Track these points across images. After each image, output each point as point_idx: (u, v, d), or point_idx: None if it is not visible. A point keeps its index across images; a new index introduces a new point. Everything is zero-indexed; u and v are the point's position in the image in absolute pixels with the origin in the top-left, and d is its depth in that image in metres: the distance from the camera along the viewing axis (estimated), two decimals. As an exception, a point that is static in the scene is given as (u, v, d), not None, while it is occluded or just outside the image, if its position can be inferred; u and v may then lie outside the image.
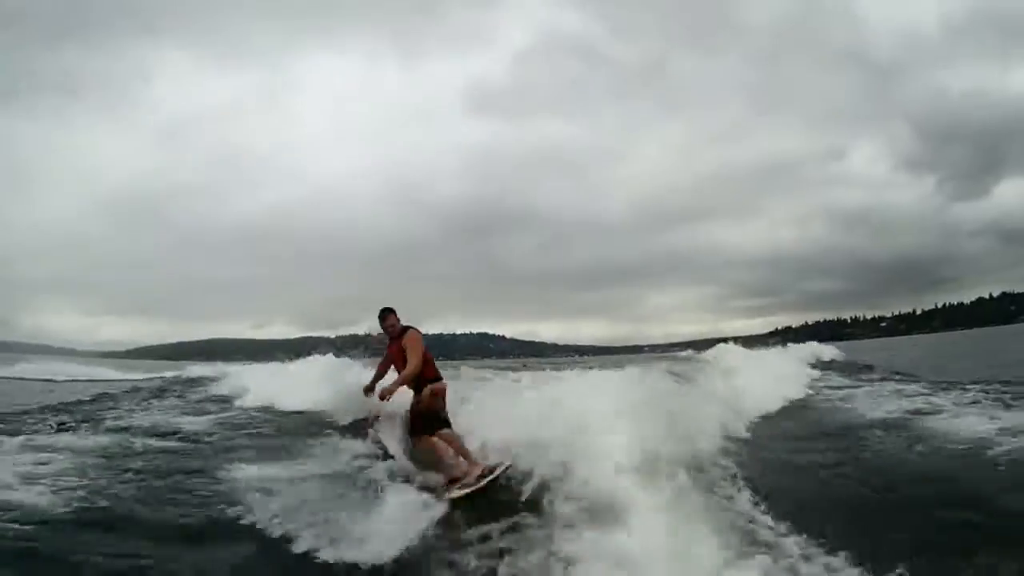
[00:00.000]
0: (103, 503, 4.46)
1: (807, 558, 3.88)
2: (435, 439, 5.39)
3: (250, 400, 9.01)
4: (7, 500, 4.28)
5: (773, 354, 13.11)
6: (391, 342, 5.79)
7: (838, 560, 3.79)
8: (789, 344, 14.36)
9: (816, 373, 11.71)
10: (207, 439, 6.56)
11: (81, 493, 4.54)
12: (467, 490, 4.82)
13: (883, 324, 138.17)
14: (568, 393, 6.39)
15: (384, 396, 5.38)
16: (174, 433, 6.77)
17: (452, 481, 5.05)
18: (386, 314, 5.82)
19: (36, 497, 4.40)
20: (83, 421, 7.44)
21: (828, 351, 14.90)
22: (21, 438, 5.87)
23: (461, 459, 5.30)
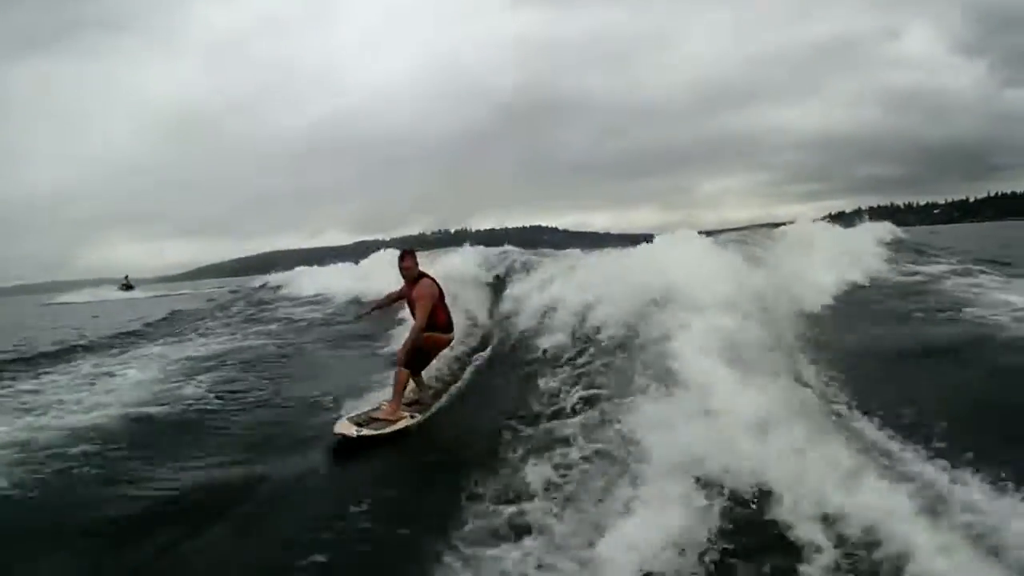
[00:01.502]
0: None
1: (882, 445, 3.67)
2: (403, 371, 5.37)
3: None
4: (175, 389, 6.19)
5: (846, 232, 12.57)
6: (406, 285, 5.70)
7: (909, 451, 3.58)
8: (860, 223, 13.72)
9: (892, 253, 11.27)
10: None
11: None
12: (351, 433, 4.66)
13: (936, 211, 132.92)
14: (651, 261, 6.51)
15: (401, 359, 5.42)
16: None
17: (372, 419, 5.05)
18: (405, 256, 5.65)
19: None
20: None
21: (897, 231, 14.27)
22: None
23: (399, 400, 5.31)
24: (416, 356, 5.53)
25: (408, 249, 5.75)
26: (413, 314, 5.62)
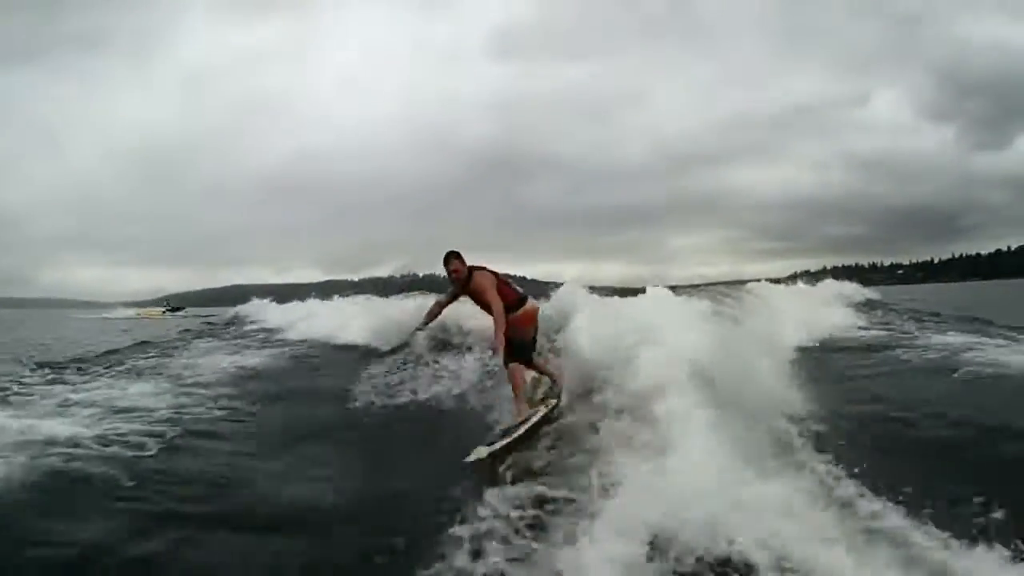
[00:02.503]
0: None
1: (838, 479, 3.77)
2: (514, 366, 5.25)
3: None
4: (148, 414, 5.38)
5: (810, 291, 12.87)
6: (457, 289, 5.48)
7: (867, 488, 3.62)
8: (825, 281, 14.04)
9: (859, 312, 11.52)
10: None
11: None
12: (484, 452, 4.26)
13: (900, 271, 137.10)
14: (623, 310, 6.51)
15: (495, 351, 5.17)
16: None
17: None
18: (450, 259, 5.35)
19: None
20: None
21: (864, 291, 14.60)
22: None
23: (521, 396, 5.20)
24: (514, 346, 5.26)
25: (453, 252, 5.39)
26: (482, 307, 5.36)
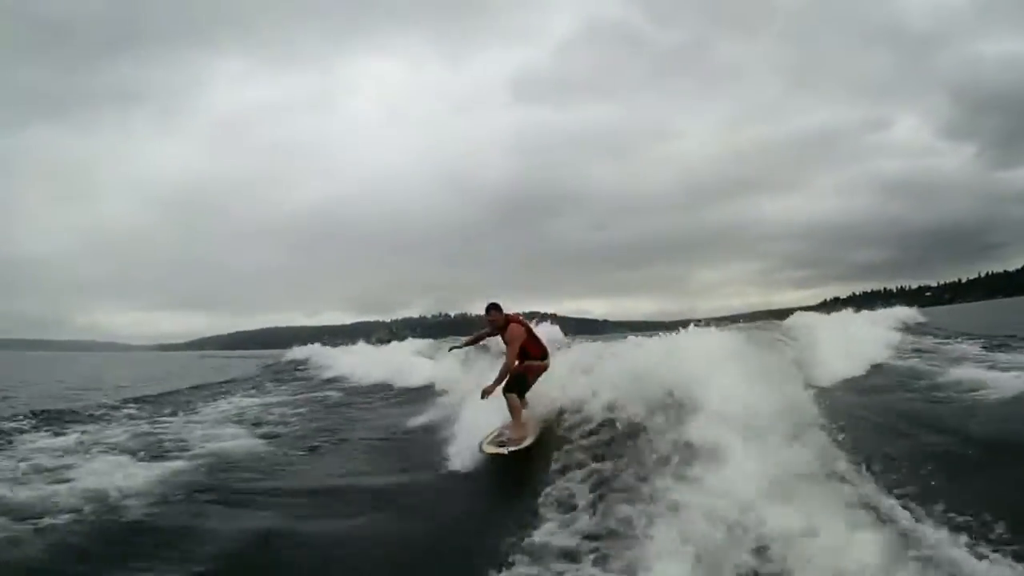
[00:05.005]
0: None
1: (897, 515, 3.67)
2: (513, 396, 6.17)
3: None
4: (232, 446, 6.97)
5: (853, 319, 12.72)
6: (494, 332, 6.61)
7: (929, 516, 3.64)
8: (863, 311, 13.87)
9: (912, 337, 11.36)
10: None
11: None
12: (500, 451, 5.62)
13: (928, 294, 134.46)
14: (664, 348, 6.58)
15: (484, 395, 6.08)
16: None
17: (499, 440, 5.95)
18: (490, 310, 6.50)
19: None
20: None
21: (911, 314, 14.38)
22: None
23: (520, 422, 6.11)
24: (517, 381, 6.23)
25: (493, 303, 6.54)
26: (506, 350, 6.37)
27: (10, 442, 6.93)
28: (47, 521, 4.32)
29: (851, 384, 8.18)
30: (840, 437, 4.83)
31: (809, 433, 4.79)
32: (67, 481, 5.22)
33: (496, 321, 6.47)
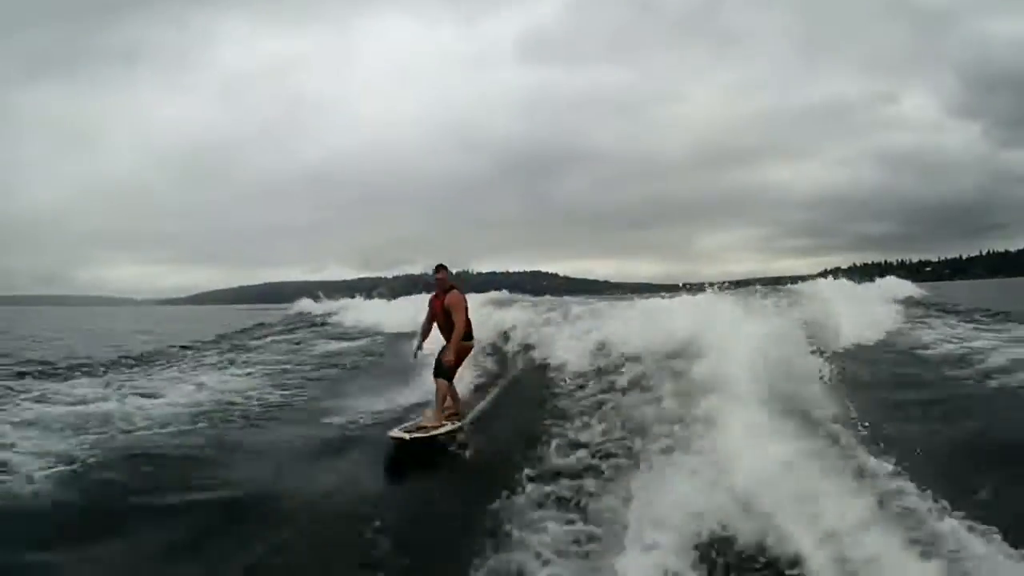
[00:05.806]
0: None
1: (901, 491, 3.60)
2: (443, 382, 6.09)
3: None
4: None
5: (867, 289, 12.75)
6: (437, 295, 6.44)
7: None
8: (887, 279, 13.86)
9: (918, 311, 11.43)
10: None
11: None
12: (404, 436, 5.36)
13: (928, 269, 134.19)
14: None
15: (448, 363, 6.03)
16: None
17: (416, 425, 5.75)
18: (440, 269, 6.46)
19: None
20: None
21: (910, 288, 14.39)
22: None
23: (442, 408, 6.01)
24: (448, 367, 6.07)
25: (441, 264, 6.49)
26: (441, 327, 6.31)
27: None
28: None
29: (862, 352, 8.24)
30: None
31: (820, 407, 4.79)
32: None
33: (443, 282, 6.41)
